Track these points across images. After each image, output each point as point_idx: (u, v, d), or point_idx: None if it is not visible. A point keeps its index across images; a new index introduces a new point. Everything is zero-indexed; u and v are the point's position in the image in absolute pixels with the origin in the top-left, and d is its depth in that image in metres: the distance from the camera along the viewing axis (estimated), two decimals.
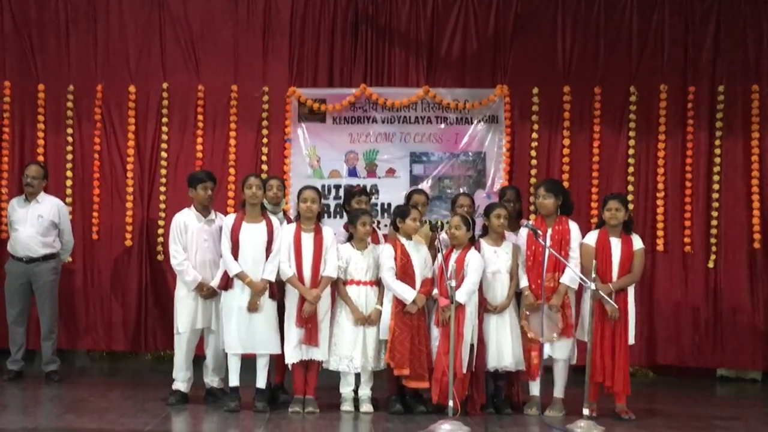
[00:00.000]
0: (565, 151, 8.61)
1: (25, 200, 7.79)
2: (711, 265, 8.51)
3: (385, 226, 7.51)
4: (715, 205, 8.52)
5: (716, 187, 8.54)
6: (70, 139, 8.70)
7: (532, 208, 7.87)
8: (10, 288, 7.82)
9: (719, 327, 8.53)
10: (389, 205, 8.35)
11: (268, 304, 6.75)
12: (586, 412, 6.24)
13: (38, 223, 7.70)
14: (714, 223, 8.51)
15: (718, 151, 8.56)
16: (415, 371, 6.62)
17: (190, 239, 6.96)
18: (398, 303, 6.68)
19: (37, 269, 7.71)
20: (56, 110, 8.71)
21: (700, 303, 8.55)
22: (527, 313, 6.76)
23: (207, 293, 6.92)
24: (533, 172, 8.58)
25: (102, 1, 8.72)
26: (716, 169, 8.55)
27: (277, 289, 6.81)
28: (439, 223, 7.98)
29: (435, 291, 6.72)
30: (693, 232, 8.54)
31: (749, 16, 8.61)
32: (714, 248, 8.51)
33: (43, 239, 7.71)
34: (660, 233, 8.53)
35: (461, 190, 8.23)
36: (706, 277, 8.55)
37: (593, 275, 6.30)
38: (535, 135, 8.64)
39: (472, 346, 6.65)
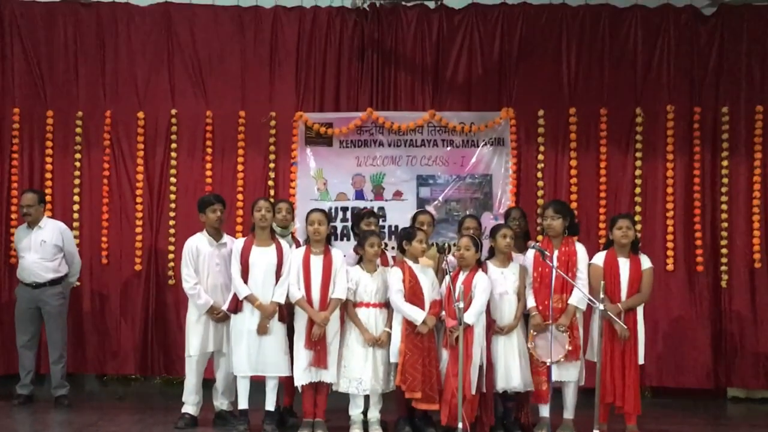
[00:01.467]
0: (572, 172, 8.64)
1: (28, 227, 7.83)
2: (724, 285, 8.50)
3: (393, 248, 7.52)
4: (724, 225, 8.53)
5: (724, 207, 8.55)
6: (78, 164, 8.75)
7: (539, 228, 7.88)
8: (20, 313, 7.86)
9: (728, 347, 8.51)
10: (396, 227, 8.35)
11: (277, 327, 6.77)
12: None
13: (42, 248, 7.74)
14: (724, 243, 8.52)
15: (725, 171, 8.57)
16: (426, 394, 6.61)
17: (202, 263, 7.00)
18: (408, 325, 6.68)
19: (45, 294, 7.74)
20: (65, 136, 8.76)
21: (709, 322, 8.52)
22: (534, 333, 6.76)
23: (219, 317, 6.95)
24: (540, 193, 8.60)
25: (111, 28, 8.80)
26: (723, 189, 8.56)
27: (287, 312, 6.83)
28: (446, 245, 7.98)
29: (443, 313, 6.73)
30: (702, 252, 8.53)
31: (752, 38, 8.66)
32: (725, 268, 8.50)
33: (49, 264, 7.75)
34: (669, 253, 8.51)
35: (468, 213, 8.25)
36: (715, 297, 8.54)
37: (602, 295, 6.30)
38: (541, 157, 8.66)
39: (480, 367, 6.64)
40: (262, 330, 6.72)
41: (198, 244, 7.05)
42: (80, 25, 8.81)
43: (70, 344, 8.27)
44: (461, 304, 6.22)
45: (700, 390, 8.53)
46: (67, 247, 7.88)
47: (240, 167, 8.73)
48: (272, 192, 8.65)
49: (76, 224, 8.63)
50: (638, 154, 8.63)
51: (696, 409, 8.18)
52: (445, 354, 6.68)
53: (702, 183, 8.58)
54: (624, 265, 6.79)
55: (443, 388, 6.62)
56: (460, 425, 6.07)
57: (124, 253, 8.69)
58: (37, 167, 8.76)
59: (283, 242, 6.94)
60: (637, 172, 8.62)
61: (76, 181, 8.74)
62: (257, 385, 6.84)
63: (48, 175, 8.73)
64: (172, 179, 8.73)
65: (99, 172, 8.75)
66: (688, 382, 8.52)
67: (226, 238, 7.16)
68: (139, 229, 8.68)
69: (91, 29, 8.81)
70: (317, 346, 6.68)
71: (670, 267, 8.51)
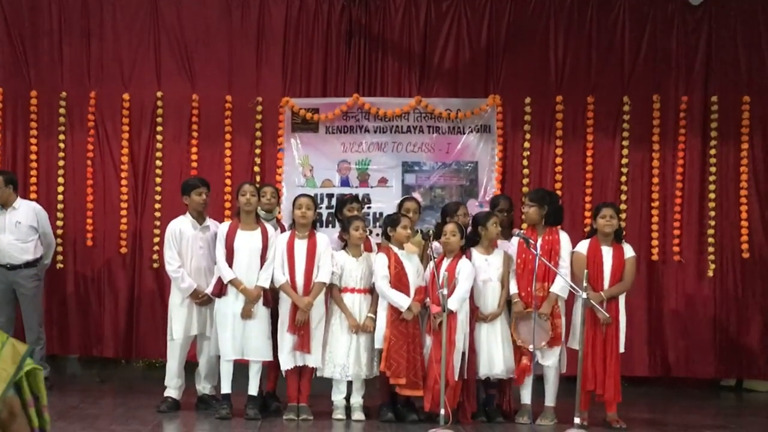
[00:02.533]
0: (558, 160, 8.64)
1: (2, 208, 7.77)
2: (710, 274, 8.53)
3: (378, 234, 7.51)
4: (712, 214, 8.55)
5: (712, 196, 8.57)
6: (62, 145, 8.68)
7: (523, 217, 7.88)
8: None
9: (713, 337, 8.55)
10: (381, 214, 8.32)
11: (261, 312, 6.76)
12: (577, 420, 6.25)
13: (17, 229, 7.66)
14: (711, 232, 8.53)
15: (713, 160, 8.58)
16: (410, 380, 6.62)
17: (185, 246, 6.98)
18: (393, 311, 6.68)
19: (19, 276, 7.66)
20: (49, 117, 8.67)
21: (694, 312, 8.55)
22: (516, 320, 6.78)
23: (202, 300, 6.94)
24: (525, 181, 8.60)
25: (96, 9, 8.71)
26: (712, 178, 8.57)
27: (271, 296, 6.82)
28: (431, 231, 7.97)
29: (427, 299, 6.73)
30: (686, 241, 8.56)
31: (740, 27, 8.67)
32: (712, 257, 8.52)
33: (23, 245, 7.66)
34: (654, 242, 8.55)
35: (453, 200, 8.24)
36: (701, 286, 8.57)
37: (584, 284, 6.32)
38: (527, 144, 8.65)
39: (463, 354, 6.66)
40: (247, 314, 6.71)
41: (181, 227, 7.02)
42: (65, 4, 8.70)
43: (54, 326, 8.26)
44: (445, 291, 6.23)
45: (681, 378, 8.59)
46: (42, 227, 7.79)
47: (227, 152, 8.67)
48: (258, 178, 8.60)
49: (60, 206, 8.58)
50: (625, 143, 8.64)
51: (678, 398, 8.23)
52: (428, 340, 6.69)
53: (688, 172, 8.59)
54: (607, 253, 6.81)
55: (426, 375, 6.64)
56: (442, 411, 6.09)
57: (108, 236, 8.63)
58: (21, 148, 8.68)
59: (268, 226, 6.93)
60: (624, 161, 8.62)
61: (61, 163, 8.67)
62: (240, 369, 6.84)
63: (32, 156, 8.65)
64: (158, 162, 8.66)
65: (83, 153, 8.67)
66: (670, 371, 8.57)
67: (209, 221, 7.14)
68: (123, 212, 8.62)
69: (76, 8, 8.71)
70: (301, 330, 6.68)
71: (654, 257, 8.54)
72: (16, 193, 7.82)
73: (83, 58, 8.72)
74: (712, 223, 8.54)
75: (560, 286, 6.74)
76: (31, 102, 8.66)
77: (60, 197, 8.62)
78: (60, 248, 8.42)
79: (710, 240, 8.54)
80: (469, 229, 7.06)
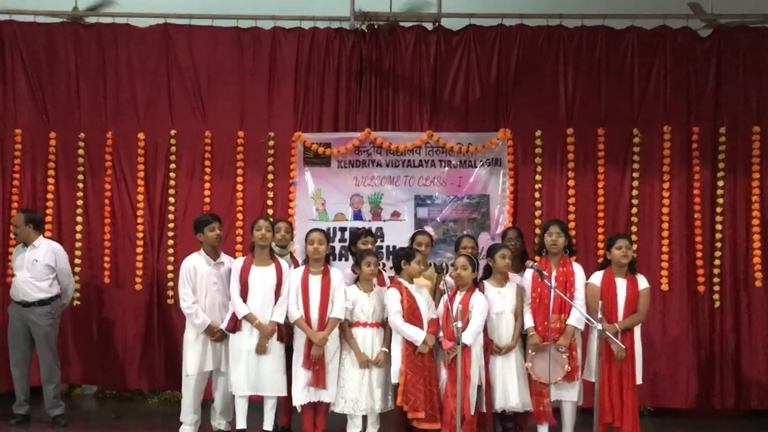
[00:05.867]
0: (570, 192, 8.66)
1: (24, 246, 7.85)
2: (717, 305, 8.51)
3: (390, 268, 7.54)
4: (719, 245, 8.53)
5: (719, 227, 8.56)
6: (81, 185, 8.79)
7: (536, 248, 7.88)
8: (12, 331, 7.83)
9: (728, 367, 8.51)
10: (394, 247, 8.34)
11: (276, 347, 6.79)
12: None
13: (33, 267, 7.72)
14: (717, 263, 8.52)
15: (720, 192, 8.59)
16: (428, 413, 6.61)
17: (200, 282, 7.03)
18: (408, 346, 6.68)
19: (32, 315, 7.70)
20: (67, 157, 8.80)
21: (708, 343, 8.52)
22: (532, 354, 6.77)
23: (217, 336, 6.96)
24: (537, 213, 8.62)
25: (111, 49, 8.86)
26: (719, 209, 8.58)
27: (286, 331, 6.84)
28: (444, 264, 8.00)
29: (440, 333, 6.73)
30: (703, 272, 8.53)
31: (748, 59, 8.70)
32: (717, 287, 8.50)
33: (38, 284, 7.72)
34: (665, 273, 8.53)
35: (465, 233, 8.26)
36: (713, 317, 8.55)
37: (599, 315, 6.31)
38: (538, 177, 8.68)
39: (479, 387, 6.65)
40: (261, 349, 6.74)
41: (195, 263, 7.09)
42: (81, 46, 8.88)
43: (71, 362, 8.28)
44: (459, 324, 6.23)
45: (701, 409, 8.53)
46: (60, 267, 7.83)
47: (239, 187, 8.76)
48: (271, 212, 8.67)
49: (78, 245, 8.67)
50: (636, 174, 8.65)
51: (695, 429, 8.16)
52: (443, 374, 6.68)
53: (701, 203, 8.59)
54: (621, 285, 6.81)
55: (443, 408, 6.62)
56: None
57: (126, 273, 8.72)
58: (40, 188, 8.79)
59: (282, 261, 6.97)
60: (635, 192, 8.63)
61: (79, 203, 8.77)
62: (255, 404, 6.84)
63: (50, 196, 8.76)
64: (171, 199, 8.76)
65: (101, 193, 8.79)
66: (683, 403, 8.51)
67: (223, 257, 7.20)
68: (140, 249, 8.70)
69: (92, 50, 8.87)
70: (316, 365, 6.70)
71: (665, 287, 8.50)
72: (37, 231, 7.88)
73: (100, 99, 8.86)
74: (718, 254, 8.51)
75: (576, 318, 6.73)
76: (49, 143, 8.78)
77: (78, 236, 8.71)
78: (77, 285, 8.48)
79: (716, 270, 8.51)
80: (484, 262, 7.08)
